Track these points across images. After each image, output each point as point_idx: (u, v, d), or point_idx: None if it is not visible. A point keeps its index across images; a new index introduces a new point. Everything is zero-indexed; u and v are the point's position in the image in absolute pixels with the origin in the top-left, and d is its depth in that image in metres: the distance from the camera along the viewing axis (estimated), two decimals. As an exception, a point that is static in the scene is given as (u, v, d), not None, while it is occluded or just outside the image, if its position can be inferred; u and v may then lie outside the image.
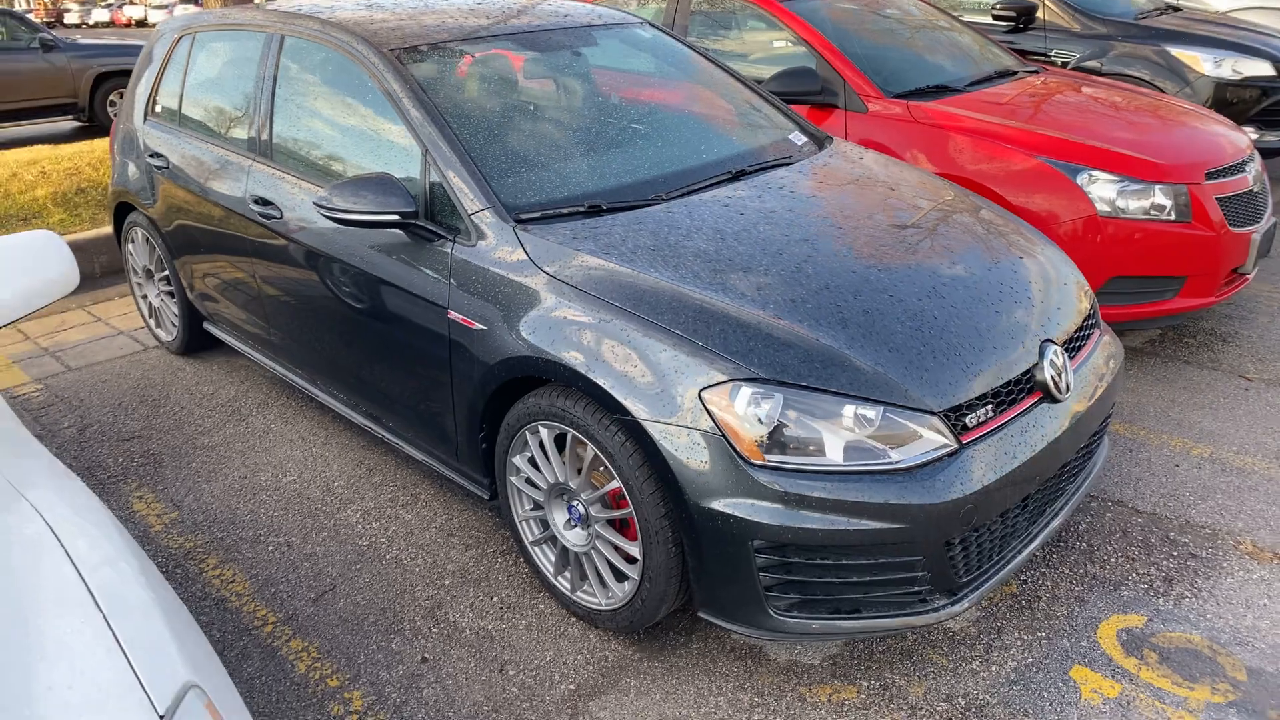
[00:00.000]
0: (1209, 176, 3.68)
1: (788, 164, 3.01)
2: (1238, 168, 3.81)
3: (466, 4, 3.39)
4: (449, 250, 2.52)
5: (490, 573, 2.70)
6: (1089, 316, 2.59)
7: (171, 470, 3.27)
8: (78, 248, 5.30)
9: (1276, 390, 3.60)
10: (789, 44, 4.43)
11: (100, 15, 48.46)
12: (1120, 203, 3.57)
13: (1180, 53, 5.76)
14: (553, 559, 2.52)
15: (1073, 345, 2.47)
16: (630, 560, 2.30)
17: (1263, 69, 5.67)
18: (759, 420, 2.01)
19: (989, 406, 2.15)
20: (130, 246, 4.20)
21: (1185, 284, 3.68)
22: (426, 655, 2.39)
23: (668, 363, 2.10)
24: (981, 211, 2.85)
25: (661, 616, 2.28)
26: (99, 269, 5.34)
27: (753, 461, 2.01)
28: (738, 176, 2.86)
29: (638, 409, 2.10)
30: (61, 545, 1.20)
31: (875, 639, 2.40)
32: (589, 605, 2.43)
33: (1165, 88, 5.77)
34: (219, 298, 3.62)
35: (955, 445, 2.06)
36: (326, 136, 2.99)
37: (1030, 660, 2.31)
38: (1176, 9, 6.84)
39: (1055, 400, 2.28)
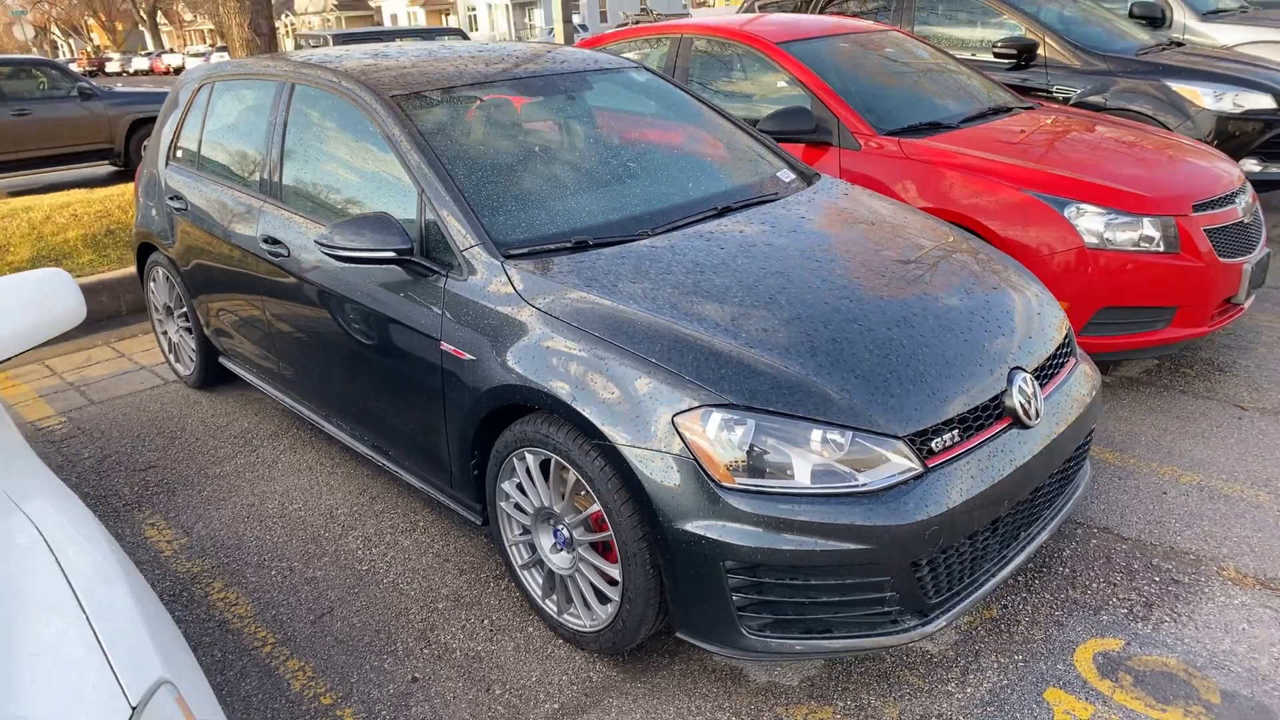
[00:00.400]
0: (1197, 208, 3.73)
1: (772, 200, 3.11)
2: (1227, 199, 3.86)
3: (469, 52, 3.55)
4: (442, 285, 2.64)
5: (482, 596, 2.78)
6: (1063, 345, 2.65)
7: (184, 498, 3.40)
8: (105, 287, 5.51)
9: (1270, 419, 3.61)
10: (786, 85, 4.56)
11: (140, 64, 50.07)
12: (1108, 235, 3.64)
13: (1180, 87, 5.82)
14: (540, 582, 2.60)
15: (1044, 373, 2.53)
16: (612, 582, 2.38)
17: (1264, 102, 5.72)
18: (731, 444, 2.09)
19: (955, 432, 2.22)
20: (152, 285, 4.38)
21: (1176, 314, 3.73)
22: (417, 675, 2.47)
23: (643, 390, 2.19)
24: (958, 244, 2.93)
25: (643, 637, 2.35)
26: (125, 307, 5.54)
27: (723, 484, 2.09)
28: (723, 212, 2.97)
29: (615, 434, 2.19)
30: (52, 552, 1.30)
31: (853, 661, 2.45)
32: (574, 627, 2.50)
33: (1167, 122, 5.83)
34: (233, 333, 3.77)
35: (921, 469, 2.13)
36: (331, 178, 3.14)
37: (1005, 682, 2.35)
38: (1180, 44, 6.92)
39: (1025, 426, 2.34)
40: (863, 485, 2.09)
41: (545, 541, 2.55)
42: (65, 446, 3.85)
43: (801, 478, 2.09)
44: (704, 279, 2.50)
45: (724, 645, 2.20)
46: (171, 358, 4.45)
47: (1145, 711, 2.23)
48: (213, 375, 4.20)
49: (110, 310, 5.51)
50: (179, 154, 4.05)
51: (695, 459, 2.10)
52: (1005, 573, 2.37)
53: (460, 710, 2.34)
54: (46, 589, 1.25)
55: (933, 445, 2.17)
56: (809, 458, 2.09)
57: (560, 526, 2.47)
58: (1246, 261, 3.84)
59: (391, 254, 2.61)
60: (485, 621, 2.67)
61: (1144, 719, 2.21)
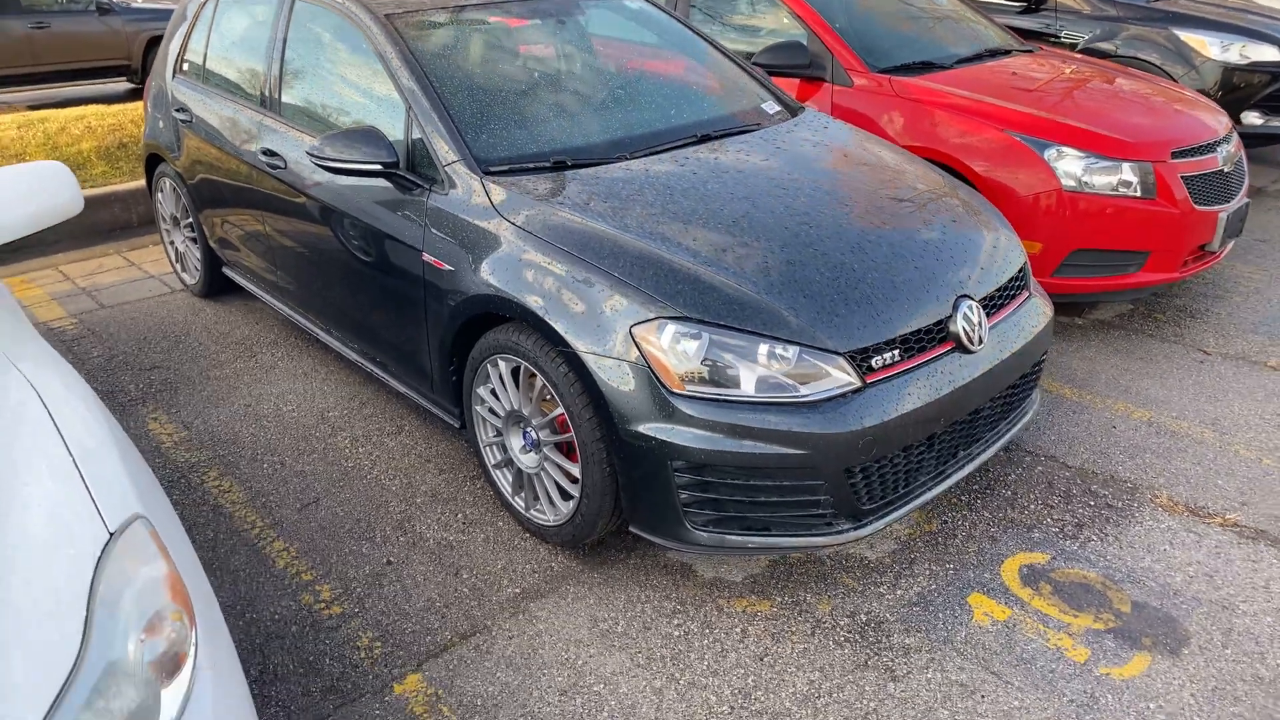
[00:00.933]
0: (1175, 155, 3.80)
1: (753, 130, 3.21)
2: (1207, 148, 3.92)
3: (467, -27, 3.62)
4: (426, 199, 2.77)
5: (459, 493, 2.97)
6: (1015, 279, 2.77)
7: (185, 396, 3.60)
8: (117, 198, 5.66)
9: (1231, 364, 3.73)
10: (787, 20, 4.60)
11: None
12: (1086, 178, 3.72)
13: (1188, 36, 5.80)
14: (510, 480, 2.79)
15: (993, 303, 2.65)
16: (573, 480, 2.55)
17: (1271, 55, 5.69)
18: (685, 355, 2.24)
19: (896, 351, 2.36)
20: (159, 196, 4.53)
21: (1149, 259, 3.82)
22: (391, 559, 2.67)
23: (605, 302, 2.34)
24: (926, 180, 3.03)
25: (600, 531, 2.54)
26: (136, 219, 5.69)
27: (674, 391, 2.25)
28: (702, 140, 3.07)
29: (577, 342, 2.34)
30: (44, 405, 1.48)
31: (795, 562, 2.63)
32: (540, 522, 2.69)
33: (1173, 71, 5.82)
34: (235, 243, 3.93)
35: (860, 384, 2.28)
36: (327, 93, 3.26)
37: (934, 587, 2.53)
38: (1197, -8, 6.84)
39: (967, 351, 2.48)
40: (804, 396, 2.24)
41: (515, 443, 2.72)
42: (76, 346, 4.05)
43: (747, 387, 2.24)
44: (672, 201, 2.63)
45: (670, 538, 2.38)
46: (178, 267, 4.62)
47: (1058, 616, 2.41)
48: (217, 284, 4.36)
49: (122, 221, 5.67)
50: (185, 67, 4.16)
51: (649, 367, 2.26)
52: (942, 487, 2.54)
53: (429, 590, 2.55)
54: (38, 436, 1.43)
55: (873, 363, 2.31)
56: (755, 369, 2.24)
57: (529, 429, 2.64)
58: (1223, 210, 3.92)
59: (378, 166, 2.74)
60: (459, 515, 2.86)
61: (1056, 622, 2.39)
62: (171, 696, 1.24)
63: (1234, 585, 2.50)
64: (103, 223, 5.68)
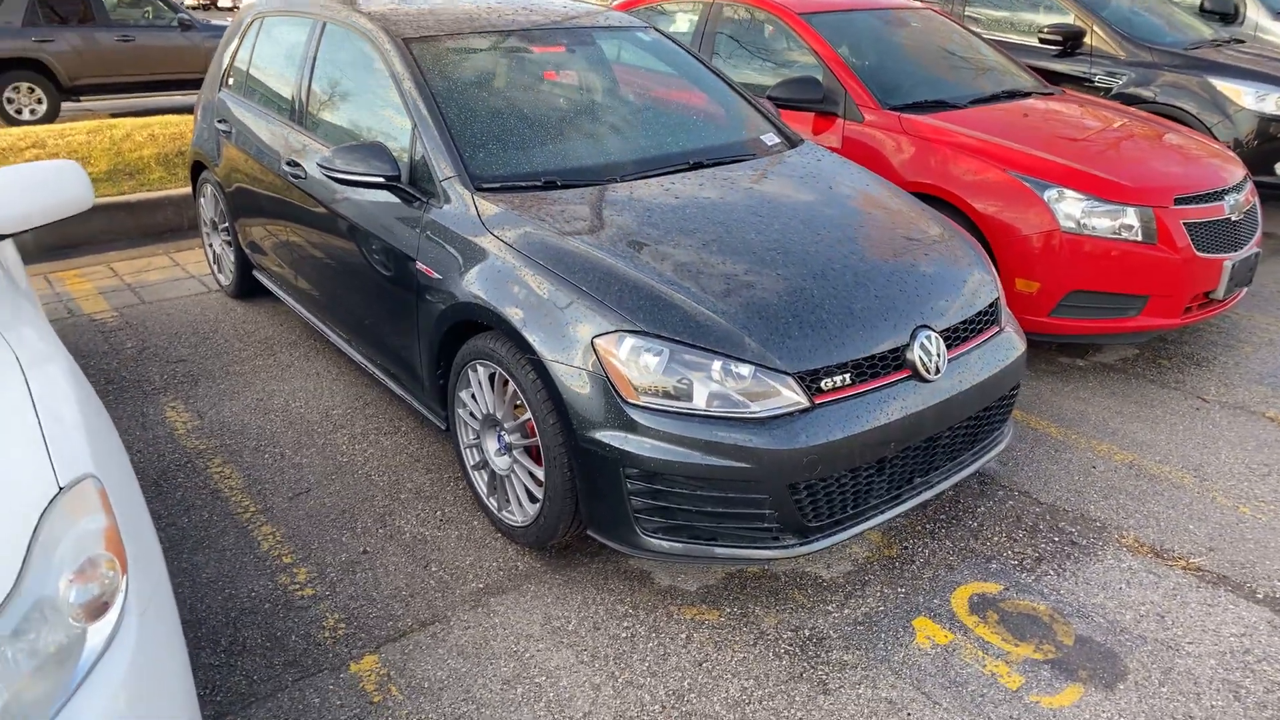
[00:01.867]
0: (1179, 201, 3.81)
1: (747, 159, 3.33)
2: (1214, 196, 3.92)
3: (490, 3, 3.83)
4: (423, 211, 2.95)
5: (441, 492, 3.12)
6: (984, 313, 2.83)
7: (204, 388, 3.82)
8: (171, 202, 6.00)
9: (1228, 413, 3.71)
10: (804, 54, 4.72)
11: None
12: (1085, 220, 3.75)
13: (1223, 85, 5.76)
14: (486, 482, 2.92)
15: (956, 335, 2.72)
16: (539, 483, 2.68)
17: (1308, 106, 5.63)
18: (645, 369, 2.36)
19: (847, 375, 2.44)
20: (202, 200, 4.81)
21: (1148, 303, 3.83)
22: (367, 549, 2.82)
23: (572, 313, 2.47)
24: (906, 214, 3.11)
25: (562, 534, 2.65)
26: (186, 222, 6.02)
27: (629, 401, 2.36)
28: (694, 167, 3.20)
29: (544, 350, 2.48)
30: (21, 369, 1.66)
31: (750, 576, 2.71)
32: (509, 523, 2.82)
33: (1208, 119, 5.79)
34: (263, 248, 4.17)
35: (808, 404, 2.37)
36: (346, 110, 3.47)
37: (882, 609, 2.59)
38: (1240, 41, 6.78)
39: (924, 380, 2.55)
40: (754, 413, 2.34)
41: (490, 446, 2.86)
42: (113, 337, 4.32)
43: (699, 401, 2.35)
44: (649, 223, 2.76)
45: (623, 542, 2.48)
46: (215, 268, 4.89)
47: (999, 644, 2.45)
48: (248, 286, 4.61)
49: (173, 224, 6.00)
50: (230, 81, 4.43)
51: (607, 376, 2.38)
52: (896, 511, 2.60)
53: (397, 580, 2.69)
54: (11, 399, 1.61)
55: (822, 384, 2.40)
56: (709, 385, 2.35)
57: (502, 432, 2.78)
58: (1229, 258, 3.91)
59: (380, 179, 2.92)
60: (438, 513, 3.01)
61: (996, 650, 2.43)
62: (96, 635, 1.39)
63: (1183, 627, 2.51)
64: (156, 225, 6.02)
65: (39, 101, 10.94)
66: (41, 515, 1.43)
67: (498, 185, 2.91)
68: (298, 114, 3.72)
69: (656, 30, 4.00)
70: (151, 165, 6.37)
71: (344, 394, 3.79)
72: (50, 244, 5.57)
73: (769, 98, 4.40)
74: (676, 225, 2.76)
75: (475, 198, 2.84)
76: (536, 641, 2.46)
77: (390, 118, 3.21)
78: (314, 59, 3.69)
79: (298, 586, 2.66)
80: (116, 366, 4.03)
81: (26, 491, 1.45)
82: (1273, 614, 2.56)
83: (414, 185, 3.01)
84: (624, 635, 2.48)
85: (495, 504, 2.89)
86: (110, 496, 1.56)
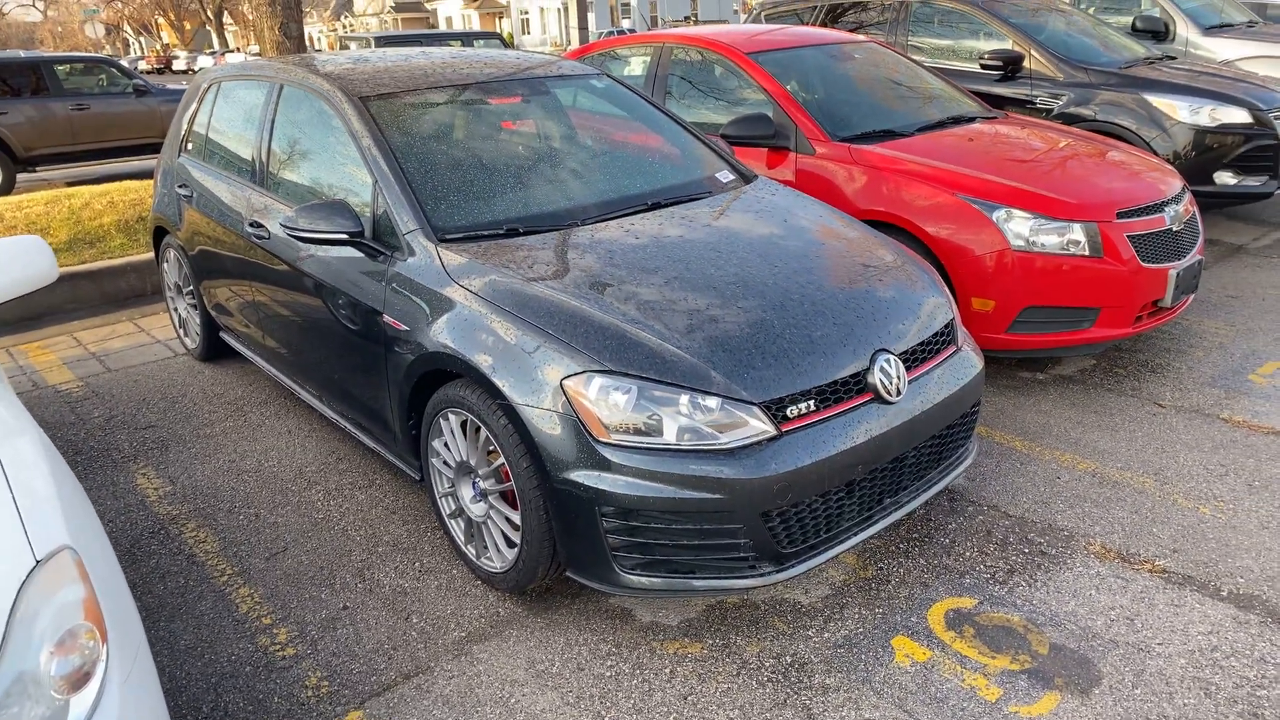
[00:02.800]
0: (1121, 215, 3.95)
1: (702, 198, 3.42)
2: (1154, 208, 4.06)
3: (445, 57, 3.91)
4: (388, 265, 2.99)
5: (418, 543, 3.12)
6: (940, 334, 2.91)
7: (174, 453, 3.80)
8: (133, 268, 5.99)
9: (1184, 416, 3.81)
10: (753, 92, 4.85)
11: (205, 62, 51.74)
12: (1034, 238, 3.87)
13: (1158, 101, 5.98)
14: (463, 530, 2.94)
15: (914, 357, 2.79)
16: (515, 528, 2.70)
17: (1239, 116, 5.85)
18: (615, 407, 2.40)
19: (812, 402, 2.50)
20: (165, 265, 4.82)
21: (1100, 315, 3.94)
22: (347, 604, 2.82)
23: (540, 357, 2.51)
24: (858, 242, 3.20)
25: (541, 577, 2.67)
26: (149, 288, 6.01)
27: (600, 439, 2.40)
28: (653, 207, 3.28)
29: (514, 395, 2.52)
30: (-7, 448, 1.67)
31: (730, 606, 2.74)
32: (488, 569, 2.83)
33: (1147, 134, 5.99)
34: (229, 309, 4.18)
35: (775, 432, 2.42)
36: (307, 169, 3.52)
37: (861, 631, 2.62)
38: (1172, 59, 7.04)
39: (886, 402, 2.62)
40: (723, 444, 2.39)
41: (465, 493, 2.88)
42: (79, 407, 4.29)
43: (670, 436, 2.39)
44: (611, 264, 2.82)
45: (602, 582, 2.51)
46: (181, 332, 4.89)
47: (976, 657, 2.49)
48: (214, 348, 4.61)
49: (136, 290, 5.99)
50: (189, 146, 4.47)
51: (578, 417, 2.42)
52: (868, 532, 2.65)
53: (379, 634, 2.68)
54: (-15, 473, 1.62)
55: (788, 412, 2.46)
56: (678, 419, 2.40)
57: (477, 479, 2.80)
58: (1173, 267, 4.04)
59: (344, 235, 2.97)
60: (416, 564, 3.01)
61: (973, 663, 2.47)
62: (78, 705, 1.39)
63: (1152, 628, 2.57)
64: (119, 292, 6.00)
65: (-7, 174, 10.88)
66: (20, 589, 1.44)
67: (460, 235, 2.96)
68: (259, 175, 3.76)
69: (610, 76, 4.11)
70: (112, 232, 6.37)
71: (316, 450, 3.79)
72: (11, 317, 5.54)
73: (722, 136, 4.51)
74: (639, 265, 2.82)
75: (439, 249, 2.89)
76: (521, 686, 2.47)
77: (351, 174, 3.26)
78: (273, 121, 3.75)
79: (279, 647, 2.65)
80: (84, 436, 4.00)
81: (3, 565, 1.46)
82: (1237, 610, 2.63)
83: (377, 240, 3.06)
84: (608, 674, 2.50)
85: (473, 551, 2.90)
86: (87, 566, 1.57)
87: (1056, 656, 2.48)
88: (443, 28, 64.78)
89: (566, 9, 56.26)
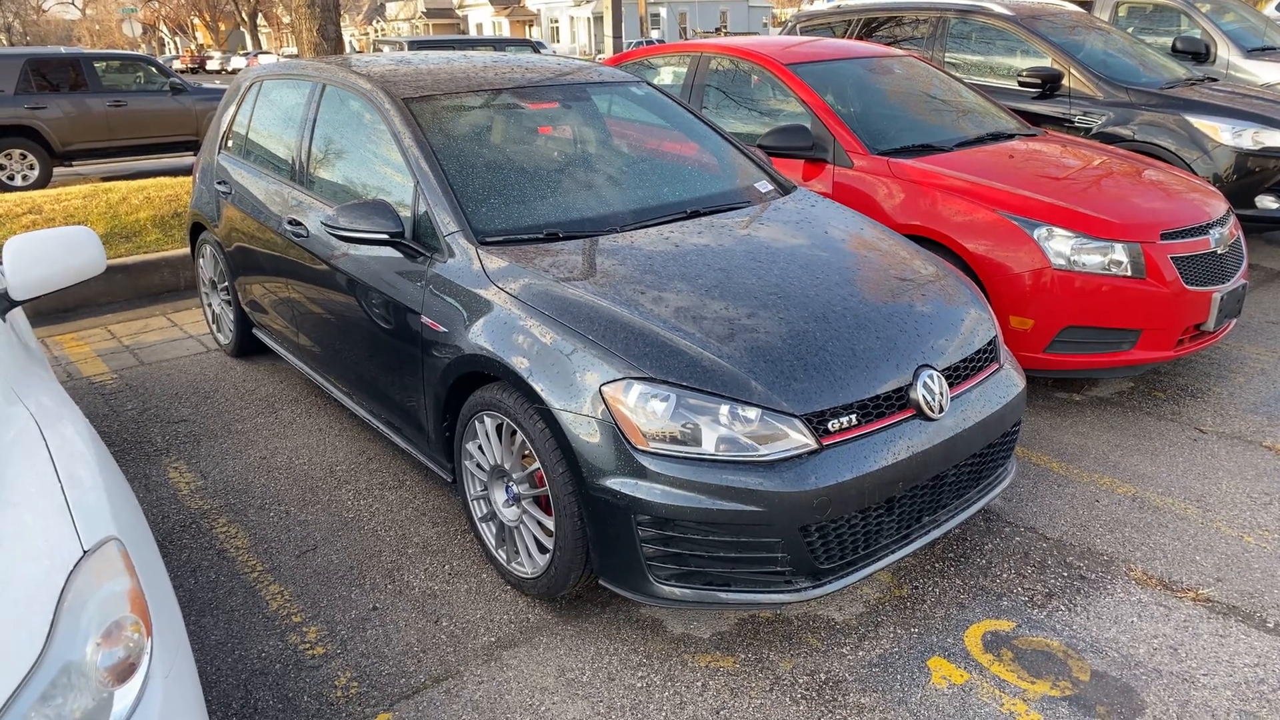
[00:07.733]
0: (1165, 237, 3.89)
1: (742, 207, 3.39)
2: (1199, 230, 4.00)
3: (485, 62, 3.92)
4: (427, 266, 2.99)
5: (449, 546, 3.11)
6: (983, 351, 2.87)
7: (206, 448, 3.81)
8: (167, 263, 6.04)
9: (1226, 442, 3.74)
10: (792, 103, 4.83)
11: (238, 63, 52.36)
12: (1075, 257, 3.82)
13: (1200, 122, 5.90)
14: (494, 534, 2.92)
15: (957, 374, 2.75)
16: (549, 533, 2.68)
17: (1283, 140, 5.76)
18: (653, 415, 2.38)
19: (854, 416, 2.47)
20: (200, 261, 4.85)
21: (1141, 337, 3.88)
22: (377, 605, 2.81)
23: (579, 362, 2.49)
24: (901, 255, 3.17)
25: (573, 584, 2.64)
26: (183, 283, 6.06)
27: (638, 447, 2.38)
28: (691, 215, 3.26)
29: (552, 399, 2.50)
30: (42, 435, 1.67)
31: (763, 621, 2.70)
32: (519, 574, 2.81)
33: (1187, 156, 5.92)
34: (263, 306, 4.19)
35: (816, 445, 2.39)
36: (347, 169, 3.53)
37: (896, 650, 2.58)
38: (1214, 80, 6.96)
39: (928, 418, 2.58)
40: (762, 456, 2.36)
41: (499, 496, 2.86)
42: (113, 399, 4.32)
43: (708, 446, 2.36)
44: (650, 271, 2.80)
45: (635, 591, 2.48)
46: (214, 328, 4.91)
47: (1016, 682, 2.44)
48: (247, 345, 4.63)
49: (170, 285, 6.04)
50: (229, 144, 4.50)
51: (616, 424, 2.40)
52: (906, 550, 2.61)
53: (408, 635, 2.67)
54: (33, 464, 1.61)
55: (829, 426, 2.43)
56: (717, 429, 2.37)
57: (510, 483, 2.79)
58: (1217, 290, 3.97)
59: (384, 235, 2.97)
60: (446, 567, 3.00)
61: (1013, 688, 2.42)
62: (122, 698, 1.38)
63: (1197, 659, 2.51)
64: (153, 286, 6.05)
65: (31, 168, 11.03)
66: (67, 579, 1.43)
67: (500, 238, 2.96)
68: (298, 174, 3.77)
69: (649, 84, 4.10)
70: (148, 227, 6.42)
71: (347, 449, 3.79)
72: (47, 308, 5.59)
73: (760, 146, 4.49)
74: (677, 272, 2.80)
75: (479, 251, 2.88)
76: (551, 694, 2.44)
77: (391, 175, 3.27)
78: (314, 120, 3.76)
79: (308, 645, 2.64)
80: (118, 429, 4.02)
81: (52, 556, 1.45)
82: (1285, 643, 2.56)
83: (417, 240, 3.06)
84: (639, 685, 2.47)
85: (504, 556, 2.88)
86: (131, 557, 1.56)
87: (1098, 684, 2.43)
88: (473, 34, 65.27)
89: (598, 19, 56.52)
